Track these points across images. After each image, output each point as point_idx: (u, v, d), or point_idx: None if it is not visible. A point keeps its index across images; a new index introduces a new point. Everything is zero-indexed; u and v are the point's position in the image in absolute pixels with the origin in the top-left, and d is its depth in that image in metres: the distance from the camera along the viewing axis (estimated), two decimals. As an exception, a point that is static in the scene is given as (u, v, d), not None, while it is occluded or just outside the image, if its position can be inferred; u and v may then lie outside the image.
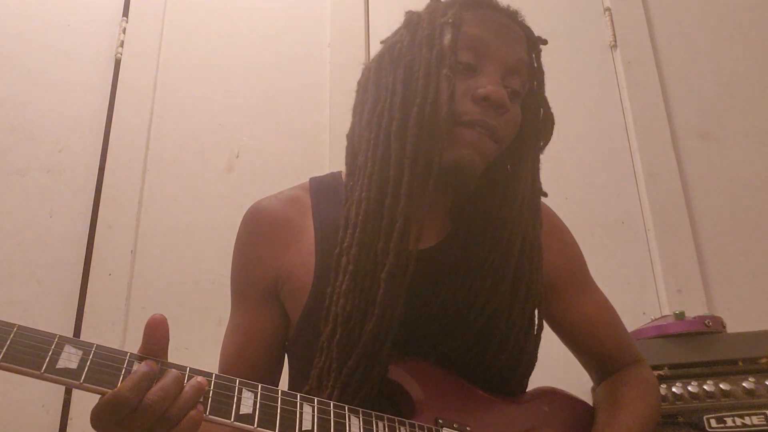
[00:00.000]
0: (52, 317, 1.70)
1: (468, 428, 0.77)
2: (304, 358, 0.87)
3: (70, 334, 1.68)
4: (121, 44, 2.05)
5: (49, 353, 0.56)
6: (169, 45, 2.08)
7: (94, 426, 0.59)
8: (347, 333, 0.76)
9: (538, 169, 0.91)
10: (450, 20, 0.84)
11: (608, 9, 2.09)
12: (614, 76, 2.03)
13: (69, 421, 1.63)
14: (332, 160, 1.90)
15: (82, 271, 1.75)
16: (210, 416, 0.60)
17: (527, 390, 0.91)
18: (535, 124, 0.91)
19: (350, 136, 0.91)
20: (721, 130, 1.94)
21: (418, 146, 0.80)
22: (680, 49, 2.04)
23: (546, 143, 0.94)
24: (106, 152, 1.91)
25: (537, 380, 0.92)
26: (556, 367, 1.06)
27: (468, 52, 0.83)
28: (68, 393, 1.65)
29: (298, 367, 0.90)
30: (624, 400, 0.88)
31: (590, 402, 0.95)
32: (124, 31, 2.07)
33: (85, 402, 1.65)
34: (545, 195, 0.92)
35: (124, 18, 2.08)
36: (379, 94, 0.86)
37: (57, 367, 0.56)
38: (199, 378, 0.60)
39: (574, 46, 2.07)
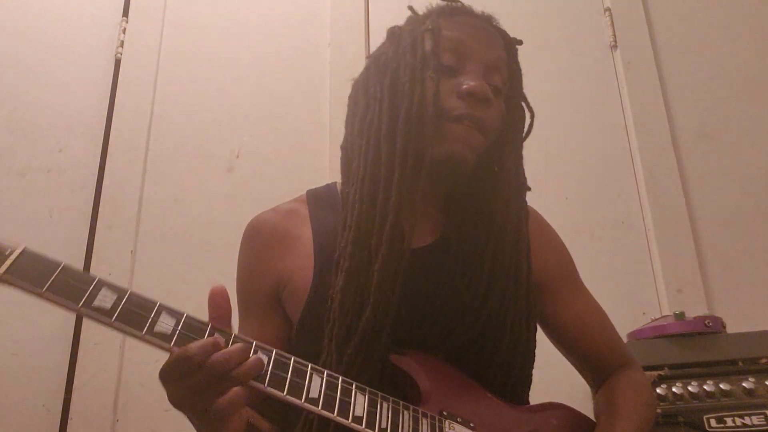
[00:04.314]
0: (52, 316, 1.70)
1: (472, 424, 0.77)
2: (303, 356, 0.87)
3: (71, 332, 1.70)
4: (121, 44, 2.05)
5: (88, 291, 0.62)
6: (169, 45, 2.08)
7: (161, 378, 0.64)
8: (345, 326, 0.78)
9: (521, 164, 0.94)
10: (429, 27, 0.89)
11: (608, 9, 2.10)
12: (614, 76, 2.03)
13: (69, 421, 1.63)
14: (332, 160, 1.90)
15: (82, 270, 1.75)
16: None
17: (535, 403, 0.91)
18: (516, 120, 0.95)
19: (344, 147, 0.95)
20: (721, 130, 1.94)
21: (407, 144, 0.83)
22: (680, 49, 2.04)
23: (525, 137, 0.96)
24: (106, 152, 1.91)
25: (537, 386, 0.93)
26: (557, 377, 1.06)
27: (449, 54, 0.87)
28: (68, 393, 1.65)
29: None
30: (620, 407, 0.89)
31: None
32: (124, 31, 2.07)
33: (85, 402, 1.65)
34: (529, 189, 0.94)
35: (124, 18, 2.08)
36: (368, 103, 0.90)
37: (93, 304, 0.61)
38: (260, 355, 0.65)
39: (574, 46, 2.07)
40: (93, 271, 1.75)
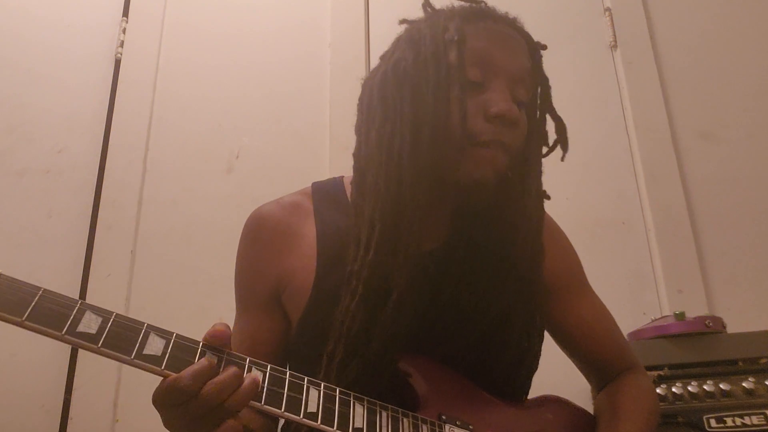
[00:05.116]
0: (52, 317, 1.70)
1: (471, 427, 0.77)
2: (302, 358, 0.87)
3: (70, 335, 1.70)
4: (121, 44, 2.05)
5: (71, 317, 0.58)
6: (169, 45, 2.08)
7: (154, 403, 0.62)
8: (351, 351, 0.76)
9: (540, 173, 0.91)
10: (455, 37, 0.83)
11: (608, 9, 2.10)
12: (614, 76, 2.03)
13: (69, 421, 1.63)
14: (332, 160, 1.90)
15: (82, 271, 1.75)
16: None
17: (531, 397, 0.91)
18: (539, 129, 0.91)
19: (357, 156, 0.89)
20: (721, 130, 1.94)
21: (433, 168, 0.80)
22: (680, 49, 2.04)
23: (565, 151, 0.93)
24: (106, 152, 1.91)
25: (538, 386, 0.92)
26: (557, 374, 1.06)
27: (475, 68, 0.82)
28: (68, 393, 1.65)
29: (297, 368, 0.90)
30: (623, 409, 0.88)
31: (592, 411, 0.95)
32: (124, 31, 2.07)
33: (85, 402, 1.65)
34: (548, 198, 0.92)
35: (124, 18, 2.08)
36: (386, 113, 0.84)
37: (77, 330, 0.58)
38: (254, 375, 0.63)
39: (574, 46, 2.07)
40: (92, 271, 1.77)
